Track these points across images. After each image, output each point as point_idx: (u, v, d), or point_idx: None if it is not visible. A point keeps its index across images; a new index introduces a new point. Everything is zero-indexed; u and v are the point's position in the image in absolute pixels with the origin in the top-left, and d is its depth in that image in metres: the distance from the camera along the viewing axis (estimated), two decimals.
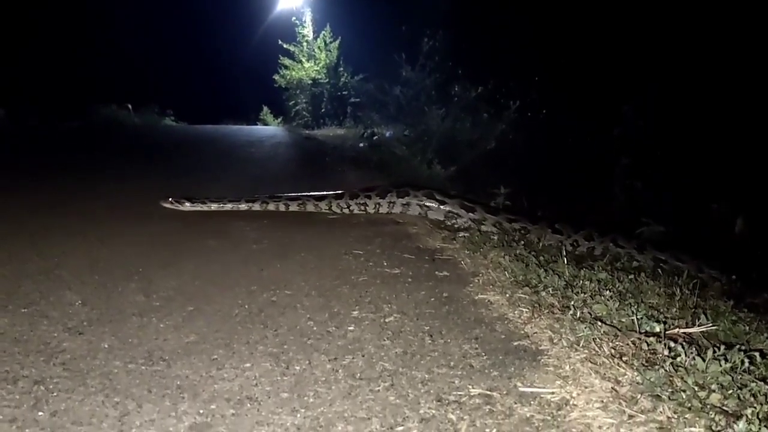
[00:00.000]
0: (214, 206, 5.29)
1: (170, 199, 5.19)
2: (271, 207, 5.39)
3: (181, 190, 5.47)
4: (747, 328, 2.93)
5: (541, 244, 4.58)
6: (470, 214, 5.16)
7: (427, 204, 5.34)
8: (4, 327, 2.46)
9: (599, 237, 5.05)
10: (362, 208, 5.44)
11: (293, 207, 5.43)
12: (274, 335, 2.48)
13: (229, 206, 5.34)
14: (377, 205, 5.44)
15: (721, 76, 9.40)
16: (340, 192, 5.57)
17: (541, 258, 3.79)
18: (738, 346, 2.25)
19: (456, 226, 5.07)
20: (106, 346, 2.32)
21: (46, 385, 1.98)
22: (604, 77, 10.82)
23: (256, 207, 5.36)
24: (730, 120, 9.00)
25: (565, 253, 3.75)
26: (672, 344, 2.22)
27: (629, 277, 3.54)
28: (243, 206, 5.35)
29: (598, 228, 5.20)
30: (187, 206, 5.20)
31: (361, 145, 12.33)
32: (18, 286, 3.00)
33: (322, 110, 23.67)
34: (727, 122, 9.02)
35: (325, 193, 5.56)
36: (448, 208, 5.25)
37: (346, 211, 5.42)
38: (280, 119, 27.69)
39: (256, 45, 29.51)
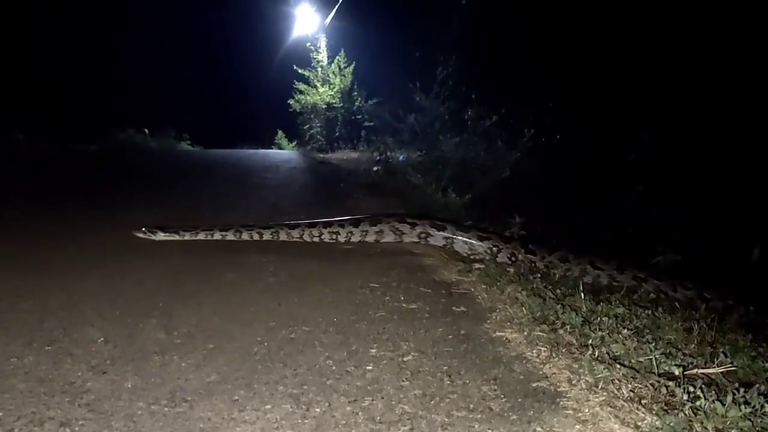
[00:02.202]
0: (187, 236, 5.31)
1: (143, 229, 5.24)
2: (245, 236, 5.42)
3: (199, 220, 5.53)
4: (766, 365, 2.91)
5: (557, 276, 4.59)
6: (441, 232, 5.40)
7: (400, 228, 5.48)
8: (29, 366, 2.51)
9: (575, 258, 5.07)
10: (333, 236, 5.49)
11: (266, 236, 5.46)
12: (294, 375, 2.50)
13: (201, 236, 5.35)
14: (349, 234, 5.49)
15: (737, 101, 9.39)
16: (313, 221, 5.63)
17: (558, 291, 3.80)
18: (757, 387, 2.25)
19: (471, 256, 5.12)
20: (130, 386, 2.35)
21: (71, 428, 2.01)
22: (618, 98, 10.83)
23: (230, 236, 5.38)
24: (747, 145, 8.97)
25: (582, 287, 3.75)
26: (691, 388, 2.22)
27: (646, 312, 3.54)
28: (218, 236, 5.36)
29: (574, 250, 5.22)
30: (161, 236, 5.25)
31: (375, 169, 12.35)
32: (41, 322, 3.07)
33: (336, 134, 23.78)
34: (743, 147, 8.98)
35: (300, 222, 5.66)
36: (420, 229, 5.45)
37: (317, 239, 5.46)
38: (294, 143, 27.89)
39: (272, 70, 29.83)
